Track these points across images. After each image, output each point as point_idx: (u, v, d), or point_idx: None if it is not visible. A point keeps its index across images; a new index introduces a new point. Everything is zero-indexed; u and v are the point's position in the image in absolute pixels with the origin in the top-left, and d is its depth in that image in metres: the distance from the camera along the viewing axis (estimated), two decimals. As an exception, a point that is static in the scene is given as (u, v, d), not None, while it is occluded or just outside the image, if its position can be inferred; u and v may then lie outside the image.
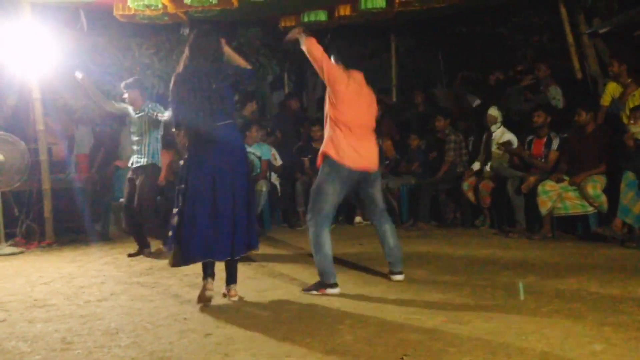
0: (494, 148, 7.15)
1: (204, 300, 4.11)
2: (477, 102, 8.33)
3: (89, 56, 7.83)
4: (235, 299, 4.23)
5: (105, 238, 7.19)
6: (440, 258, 5.56)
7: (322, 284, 4.35)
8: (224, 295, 4.27)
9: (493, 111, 7.25)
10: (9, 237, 6.72)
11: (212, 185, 4.05)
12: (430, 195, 7.41)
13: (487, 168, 7.23)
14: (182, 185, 4.11)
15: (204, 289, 4.12)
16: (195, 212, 4.03)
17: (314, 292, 4.34)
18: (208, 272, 4.14)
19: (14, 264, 5.97)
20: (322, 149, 4.48)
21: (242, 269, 5.19)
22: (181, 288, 4.70)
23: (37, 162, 6.91)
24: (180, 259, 4.14)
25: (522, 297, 4.04)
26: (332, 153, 4.38)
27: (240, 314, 3.92)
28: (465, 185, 7.14)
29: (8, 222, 6.79)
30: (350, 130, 4.40)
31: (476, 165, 7.34)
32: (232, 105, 4.26)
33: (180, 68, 4.14)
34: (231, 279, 4.27)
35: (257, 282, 4.82)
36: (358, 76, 4.58)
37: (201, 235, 4.02)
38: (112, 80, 7.76)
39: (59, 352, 3.31)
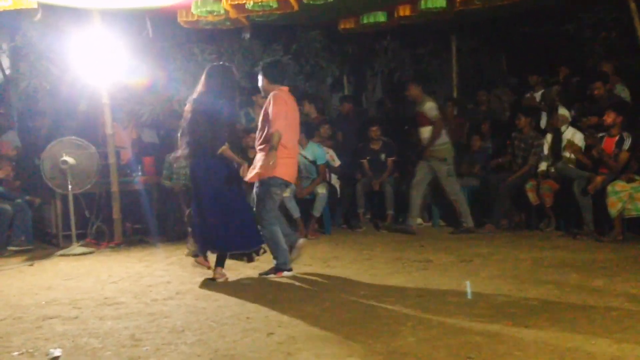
0: (563, 148, 6.92)
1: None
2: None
3: (154, 62, 8.08)
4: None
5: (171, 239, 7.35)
6: (504, 260, 5.45)
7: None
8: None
9: (563, 111, 7.05)
10: (80, 237, 6.98)
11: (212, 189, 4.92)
12: (511, 196, 7.18)
13: (552, 169, 7.02)
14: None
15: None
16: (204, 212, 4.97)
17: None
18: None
19: (85, 263, 6.20)
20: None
21: (304, 270, 5.25)
22: (243, 288, 4.77)
23: (106, 165, 7.16)
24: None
25: (469, 296, 4.21)
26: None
27: (302, 315, 3.94)
28: (528, 185, 6.96)
29: (79, 223, 7.05)
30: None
31: (543, 166, 7.13)
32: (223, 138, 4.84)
33: (194, 95, 4.83)
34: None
35: (318, 283, 4.85)
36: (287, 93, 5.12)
37: None
38: (176, 85, 8.00)
39: (128, 348, 3.42)
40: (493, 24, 9.19)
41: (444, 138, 7.10)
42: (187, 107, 4.87)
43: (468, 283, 4.48)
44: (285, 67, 6.18)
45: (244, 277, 5.12)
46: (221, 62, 5.34)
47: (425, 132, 7.14)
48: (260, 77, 5.14)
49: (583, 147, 6.83)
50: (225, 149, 4.81)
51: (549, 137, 7.16)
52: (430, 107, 7.01)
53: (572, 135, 6.92)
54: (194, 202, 5.01)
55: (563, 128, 7.04)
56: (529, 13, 8.53)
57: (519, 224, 7.25)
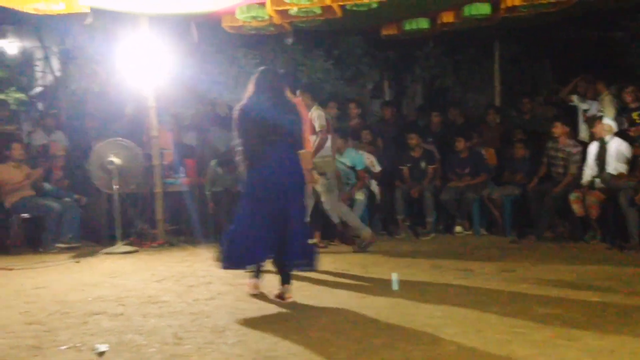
0: (609, 159, 6.79)
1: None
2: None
3: (198, 66, 8.23)
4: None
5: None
6: (547, 271, 5.35)
7: None
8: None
9: (608, 121, 6.91)
10: (124, 237, 7.14)
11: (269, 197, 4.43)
12: (556, 207, 7.05)
13: (598, 180, 6.89)
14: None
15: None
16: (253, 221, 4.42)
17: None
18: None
19: (129, 262, 6.34)
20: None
21: (345, 274, 5.26)
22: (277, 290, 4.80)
23: (150, 166, 7.31)
24: None
25: (395, 287, 4.51)
26: None
27: (340, 318, 3.96)
28: (573, 196, 6.83)
29: (124, 223, 7.21)
30: None
31: (588, 176, 7.00)
32: (291, 134, 4.47)
33: (244, 101, 4.52)
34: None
35: (357, 289, 4.86)
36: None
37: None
38: (219, 89, 8.13)
39: (171, 346, 3.49)
40: (537, 30, 9.07)
41: (327, 151, 6.45)
42: (237, 114, 4.52)
43: (395, 275, 4.68)
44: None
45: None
46: (268, 67, 5.16)
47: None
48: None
49: (630, 158, 6.68)
50: (305, 153, 4.57)
51: (593, 147, 7.03)
52: (317, 115, 6.42)
53: (618, 145, 6.78)
54: (246, 213, 4.45)
55: (607, 138, 6.90)
56: (574, 19, 8.40)
57: (562, 235, 7.12)
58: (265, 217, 4.37)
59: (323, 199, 6.43)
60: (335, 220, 6.50)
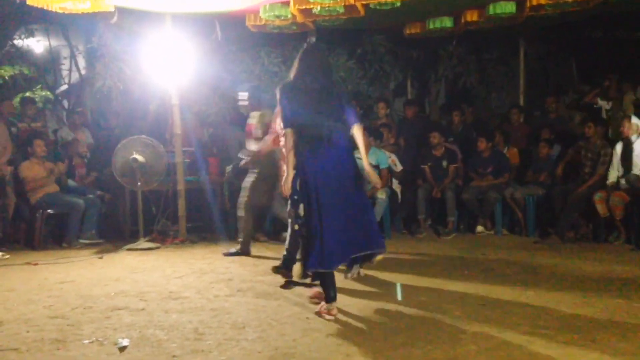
0: (634, 159, 6.69)
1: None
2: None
3: (221, 64, 8.27)
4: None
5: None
6: (569, 272, 5.29)
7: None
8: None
9: (635, 120, 6.81)
10: (146, 233, 7.20)
11: (329, 187, 3.94)
12: (580, 208, 6.95)
13: (623, 180, 6.79)
14: (299, 193, 4.00)
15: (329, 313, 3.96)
16: (321, 218, 3.90)
17: None
18: (332, 294, 3.98)
19: (151, 258, 6.40)
20: None
21: (364, 273, 5.24)
22: (302, 288, 4.81)
23: (173, 164, 7.37)
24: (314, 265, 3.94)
25: (399, 297, 4.34)
26: None
27: (361, 318, 3.95)
28: (597, 197, 6.74)
29: (146, 220, 7.29)
30: None
31: (613, 177, 6.90)
32: (340, 114, 4.04)
33: (289, 79, 4.13)
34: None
35: (378, 286, 4.85)
36: None
37: (333, 241, 3.91)
38: (242, 87, 8.14)
39: (192, 342, 3.52)
40: (563, 29, 8.95)
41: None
42: (281, 93, 4.08)
43: (399, 285, 4.48)
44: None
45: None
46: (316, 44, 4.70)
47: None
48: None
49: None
50: (357, 127, 4.05)
51: (618, 147, 6.93)
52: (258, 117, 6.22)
53: (645, 145, 6.67)
54: (308, 211, 3.99)
55: (634, 138, 6.80)
56: (601, 18, 8.28)
57: (585, 235, 7.03)
58: (336, 208, 3.92)
59: (242, 193, 6.27)
60: (240, 213, 6.30)
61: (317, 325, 3.80)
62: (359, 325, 3.78)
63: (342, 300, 4.33)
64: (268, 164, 6.09)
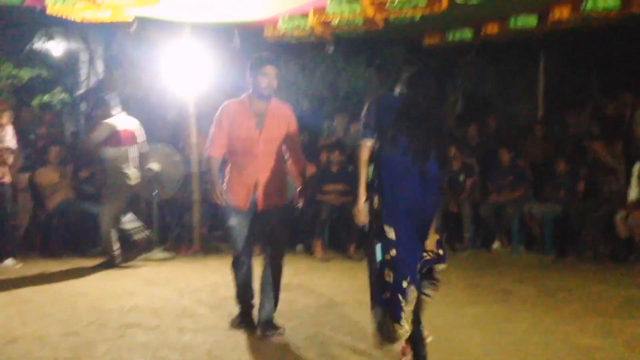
0: None
1: None
2: None
3: (239, 74, 8.24)
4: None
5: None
6: (589, 296, 5.20)
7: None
8: None
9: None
10: (161, 242, 7.18)
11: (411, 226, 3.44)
12: (599, 226, 6.84)
13: (644, 199, 6.68)
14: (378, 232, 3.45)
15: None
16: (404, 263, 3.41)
17: None
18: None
19: (165, 269, 6.38)
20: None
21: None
22: (318, 309, 4.77)
23: (190, 173, 7.34)
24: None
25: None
26: None
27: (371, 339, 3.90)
28: (619, 217, 6.62)
29: (161, 229, 7.27)
30: None
31: (633, 195, 6.78)
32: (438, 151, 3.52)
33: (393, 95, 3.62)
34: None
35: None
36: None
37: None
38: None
39: (206, 366, 3.50)
40: (584, 41, 8.83)
41: (117, 162, 6.40)
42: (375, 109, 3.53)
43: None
44: None
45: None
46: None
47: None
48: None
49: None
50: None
51: (638, 165, 6.81)
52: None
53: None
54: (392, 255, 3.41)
55: (654, 156, 6.69)
56: (623, 31, 8.15)
57: (604, 255, 6.91)
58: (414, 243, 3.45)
59: (102, 207, 6.45)
60: (104, 230, 6.39)
61: (332, 351, 3.76)
62: (371, 347, 3.68)
63: (354, 323, 4.28)
64: None
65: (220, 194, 4.11)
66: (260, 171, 4.09)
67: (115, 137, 6.42)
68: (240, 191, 4.12)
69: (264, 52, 4.53)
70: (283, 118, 4.17)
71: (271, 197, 4.12)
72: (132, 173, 6.50)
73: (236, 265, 4.22)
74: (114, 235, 6.43)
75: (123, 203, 6.52)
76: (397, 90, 3.59)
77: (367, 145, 3.48)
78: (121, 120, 6.54)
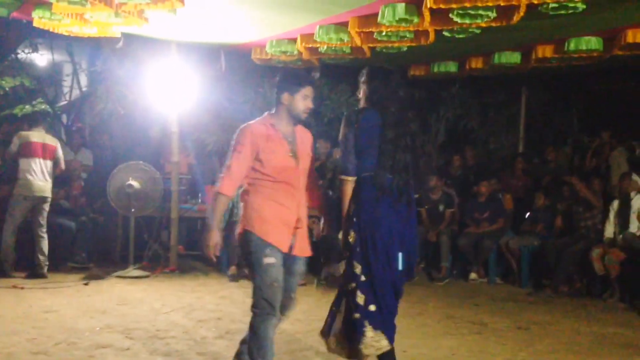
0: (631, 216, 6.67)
1: None
2: None
3: (224, 94, 8.26)
4: None
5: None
6: (563, 331, 5.22)
7: None
8: None
9: (636, 177, 6.81)
10: (137, 260, 7.09)
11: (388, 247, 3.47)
12: (575, 262, 6.88)
13: (619, 237, 6.76)
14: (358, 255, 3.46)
15: None
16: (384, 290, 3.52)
17: None
18: None
19: (140, 288, 6.29)
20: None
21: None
22: (294, 334, 4.72)
23: (169, 191, 7.30)
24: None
25: None
26: None
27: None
28: (595, 253, 6.69)
29: (137, 246, 7.18)
30: None
31: (609, 233, 6.86)
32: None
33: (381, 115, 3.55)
34: None
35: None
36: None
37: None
38: (244, 118, 8.11)
39: (176, 391, 3.43)
40: (566, 79, 9.00)
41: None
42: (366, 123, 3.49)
43: None
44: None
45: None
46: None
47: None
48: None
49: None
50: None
51: (615, 203, 6.91)
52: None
53: (644, 204, 6.65)
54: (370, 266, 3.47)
55: (632, 194, 6.79)
56: (603, 70, 8.33)
57: (579, 290, 6.96)
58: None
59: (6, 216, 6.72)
60: (3, 239, 6.66)
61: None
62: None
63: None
64: None
65: (215, 246, 3.26)
66: (302, 207, 3.40)
67: (26, 148, 6.75)
68: (283, 228, 3.33)
69: (299, 69, 4.21)
70: (309, 144, 3.51)
71: (305, 241, 3.46)
72: (36, 185, 6.73)
73: (264, 328, 3.24)
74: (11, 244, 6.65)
75: (25, 212, 6.78)
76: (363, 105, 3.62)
77: (350, 181, 3.42)
78: (37, 134, 6.87)
